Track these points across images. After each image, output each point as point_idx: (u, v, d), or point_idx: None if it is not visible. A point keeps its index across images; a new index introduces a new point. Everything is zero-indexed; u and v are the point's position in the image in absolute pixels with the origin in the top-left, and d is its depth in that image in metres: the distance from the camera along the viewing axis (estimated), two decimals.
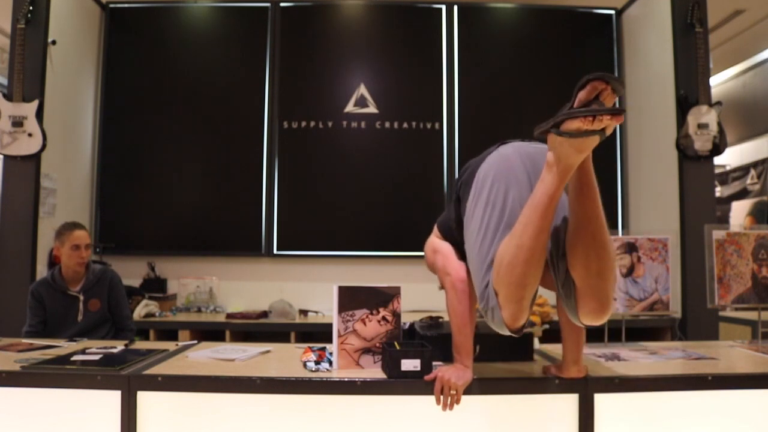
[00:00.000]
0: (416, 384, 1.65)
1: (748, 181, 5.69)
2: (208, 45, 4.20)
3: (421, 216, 3.97)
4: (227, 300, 4.06)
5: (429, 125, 4.16)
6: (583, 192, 1.28)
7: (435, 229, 1.83)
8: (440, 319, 2.10)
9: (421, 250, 1.88)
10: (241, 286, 4.08)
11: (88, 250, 2.77)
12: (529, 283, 1.32)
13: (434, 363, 1.72)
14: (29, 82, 3.37)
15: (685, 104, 3.50)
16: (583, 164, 1.24)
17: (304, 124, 4.13)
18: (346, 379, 1.69)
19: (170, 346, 2.20)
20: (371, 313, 1.83)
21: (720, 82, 6.04)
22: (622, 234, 4.10)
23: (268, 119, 4.12)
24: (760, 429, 1.74)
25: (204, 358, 1.96)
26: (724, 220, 5.69)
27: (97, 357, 1.92)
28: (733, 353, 2.15)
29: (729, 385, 1.74)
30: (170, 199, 4.11)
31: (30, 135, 3.32)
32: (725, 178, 6.00)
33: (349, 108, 4.15)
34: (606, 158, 4.22)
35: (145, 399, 1.68)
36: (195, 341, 2.32)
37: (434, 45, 4.22)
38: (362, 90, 4.16)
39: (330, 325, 1.83)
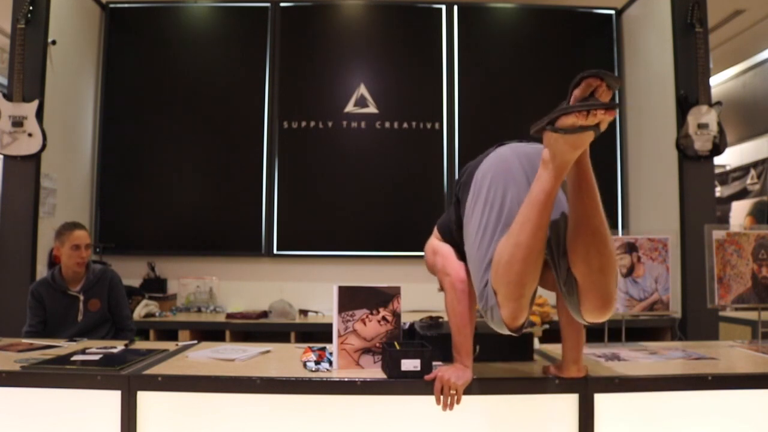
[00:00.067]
0: (416, 384, 1.65)
1: (748, 181, 5.68)
2: (208, 45, 4.21)
3: (421, 216, 3.98)
4: (227, 300, 4.06)
5: (429, 125, 4.16)
6: (582, 189, 1.28)
7: (435, 230, 1.84)
8: (440, 319, 2.10)
9: (421, 250, 1.88)
10: (241, 286, 4.08)
11: (88, 250, 2.77)
12: (528, 281, 1.32)
13: (434, 363, 1.72)
14: (29, 82, 3.37)
15: (685, 104, 3.50)
16: (580, 161, 1.24)
17: (304, 124, 4.13)
18: (346, 379, 1.69)
19: (170, 346, 2.20)
20: (371, 313, 1.83)
21: (720, 82, 6.04)
22: (622, 234, 4.10)
23: (268, 119, 4.12)
24: (760, 429, 1.73)
25: (204, 358, 1.96)
26: (724, 220, 5.69)
27: (97, 357, 1.92)
28: (733, 353, 2.15)
29: (729, 385, 1.74)
30: (170, 199, 4.11)
31: (30, 135, 3.32)
32: (725, 178, 6.00)
33: (349, 108, 4.15)
34: (606, 158, 4.22)
35: (145, 399, 1.68)
36: (195, 341, 2.32)
37: (434, 45, 4.22)
38: (362, 90, 4.16)
39: (330, 325, 1.83)
